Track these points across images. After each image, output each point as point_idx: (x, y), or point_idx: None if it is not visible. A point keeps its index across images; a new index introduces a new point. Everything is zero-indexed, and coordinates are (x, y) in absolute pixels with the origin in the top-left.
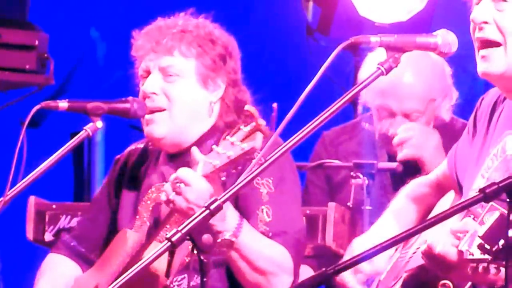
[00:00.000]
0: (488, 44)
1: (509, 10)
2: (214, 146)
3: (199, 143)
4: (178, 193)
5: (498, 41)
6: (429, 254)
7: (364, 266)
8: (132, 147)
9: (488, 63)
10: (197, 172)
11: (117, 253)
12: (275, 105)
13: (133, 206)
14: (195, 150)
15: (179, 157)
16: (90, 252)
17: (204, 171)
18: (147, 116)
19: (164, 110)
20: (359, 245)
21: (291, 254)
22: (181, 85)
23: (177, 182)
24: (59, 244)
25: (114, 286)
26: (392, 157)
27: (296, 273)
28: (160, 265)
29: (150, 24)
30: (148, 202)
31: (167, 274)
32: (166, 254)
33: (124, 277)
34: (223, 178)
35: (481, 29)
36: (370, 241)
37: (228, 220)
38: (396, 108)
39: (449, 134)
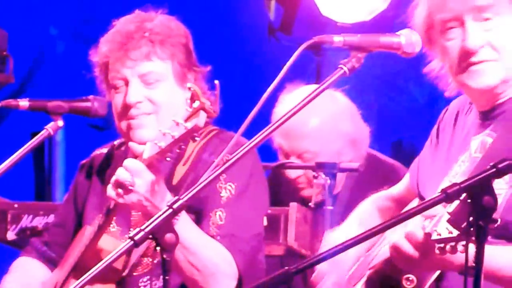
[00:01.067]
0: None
1: (496, 27)
2: (160, 128)
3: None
4: (126, 187)
5: (495, 59)
6: (396, 248)
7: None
8: (96, 152)
9: (485, 76)
10: (144, 155)
11: (73, 248)
12: (217, 82)
13: (98, 209)
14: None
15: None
16: (61, 257)
17: (150, 152)
18: (132, 121)
19: (150, 114)
20: (331, 237)
21: (236, 258)
22: (163, 89)
23: (123, 173)
24: (29, 248)
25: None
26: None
27: (245, 276)
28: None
29: (112, 25)
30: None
31: (124, 267)
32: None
33: (87, 276)
34: (168, 159)
35: (474, 53)
36: (343, 231)
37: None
38: (287, 148)
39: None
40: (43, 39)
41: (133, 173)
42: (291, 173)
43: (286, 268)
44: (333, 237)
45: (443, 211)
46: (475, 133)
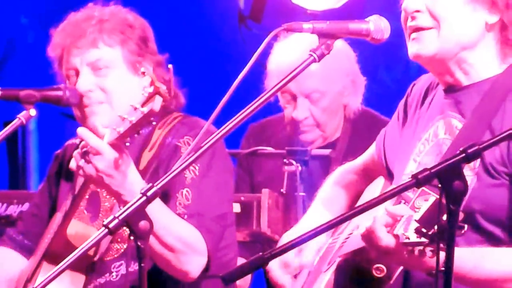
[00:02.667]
0: (420, 29)
1: None
2: (119, 114)
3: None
4: (88, 161)
5: (431, 26)
6: (367, 238)
7: (292, 259)
8: (69, 142)
9: (419, 45)
10: (104, 140)
11: (45, 235)
12: (170, 66)
13: (72, 194)
14: (98, 125)
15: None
16: (37, 245)
17: (110, 138)
18: (86, 109)
19: (102, 103)
20: (288, 238)
21: (204, 236)
22: (113, 76)
23: (86, 150)
24: (5, 238)
25: (56, 271)
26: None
27: (213, 256)
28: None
29: (73, 14)
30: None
31: (95, 253)
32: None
33: (68, 261)
34: (127, 144)
35: (413, 18)
36: (300, 233)
37: (131, 183)
38: (295, 90)
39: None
40: (13, 29)
41: (93, 148)
42: (299, 113)
43: (261, 253)
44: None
45: (408, 211)
46: (440, 112)
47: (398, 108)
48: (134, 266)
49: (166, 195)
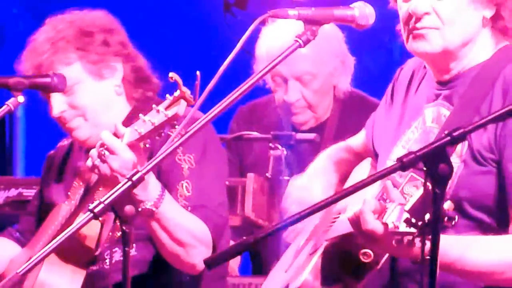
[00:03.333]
0: (426, 28)
1: None
2: (141, 115)
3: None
4: (103, 160)
5: (438, 27)
6: (355, 222)
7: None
8: (61, 143)
9: (426, 43)
10: (123, 141)
11: (48, 226)
12: (198, 73)
13: (64, 193)
14: (117, 124)
15: None
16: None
17: (129, 138)
18: (66, 125)
19: (76, 117)
20: (296, 186)
21: (209, 227)
22: (81, 91)
23: (103, 149)
24: (5, 232)
25: (43, 253)
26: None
27: (216, 246)
28: (91, 238)
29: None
30: (78, 183)
31: (97, 246)
32: (97, 228)
33: (52, 245)
34: (148, 145)
35: (419, 19)
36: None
37: (150, 190)
38: (286, 73)
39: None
40: (5, 18)
41: (109, 148)
42: (291, 95)
43: (244, 238)
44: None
45: (399, 197)
46: (430, 100)
47: (386, 92)
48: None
49: (167, 188)
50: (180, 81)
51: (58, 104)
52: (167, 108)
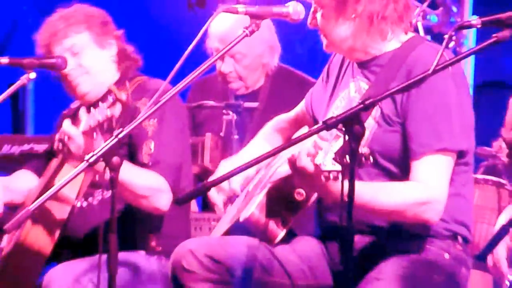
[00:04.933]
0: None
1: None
2: (92, 109)
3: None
4: (64, 144)
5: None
6: (292, 161)
7: (225, 186)
8: (64, 111)
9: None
10: (79, 128)
11: (46, 170)
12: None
13: None
14: (81, 111)
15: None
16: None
17: (84, 128)
18: (72, 83)
19: (83, 75)
20: (224, 166)
21: (166, 178)
22: (87, 54)
23: (64, 135)
24: (27, 164)
25: (48, 194)
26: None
27: (176, 189)
28: (71, 190)
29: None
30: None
31: (77, 197)
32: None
33: (55, 189)
34: (95, 135)
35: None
36: (236, 161)
37: None
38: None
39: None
40: (17, 14)
41: (67, 134)
42: (225, 67)
43: (204, 181)
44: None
45: (327, 146)
46: (352, 77)
47: (323, 72)
48: (108, 193)
49: (135, 147)
50: (115, 90)
51: (69, 63)
52: (108, 107)
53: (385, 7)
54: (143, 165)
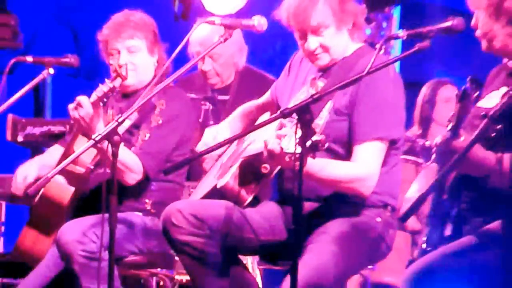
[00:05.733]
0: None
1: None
2: (100, 84)
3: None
4: (76, 109)
5: (324, 51)
6: (265, 145)
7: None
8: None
9: (320, 61)
10: (89, 99)
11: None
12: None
13: None
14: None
15: (131, 96)
16: None
17: (92, 99)
18: (123, 74)
19: (132, 70)
20: (208, 131)
21: (143, 163)
22: (139, 56)
23: (77, 104)
24: (60, 140)
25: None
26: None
27: (148, 174)
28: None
29: (110, 18)
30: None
31: (86, 170)
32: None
33: (69, 160)
34: (101, 104)
35: (314, 52)
36: (217, 130)
37: (97, 131)
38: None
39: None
40: (38, 23)
41: (80, 103)
42: (205, 66)
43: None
44: (217, 132)
45: (291, 132)
46: (312, 74)
47: (285, 67)
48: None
49: (138, 130)
50: (118, 69)
51: (124, 58)
52: (111, 81)
53: (358, 17)
54: (133, 146)
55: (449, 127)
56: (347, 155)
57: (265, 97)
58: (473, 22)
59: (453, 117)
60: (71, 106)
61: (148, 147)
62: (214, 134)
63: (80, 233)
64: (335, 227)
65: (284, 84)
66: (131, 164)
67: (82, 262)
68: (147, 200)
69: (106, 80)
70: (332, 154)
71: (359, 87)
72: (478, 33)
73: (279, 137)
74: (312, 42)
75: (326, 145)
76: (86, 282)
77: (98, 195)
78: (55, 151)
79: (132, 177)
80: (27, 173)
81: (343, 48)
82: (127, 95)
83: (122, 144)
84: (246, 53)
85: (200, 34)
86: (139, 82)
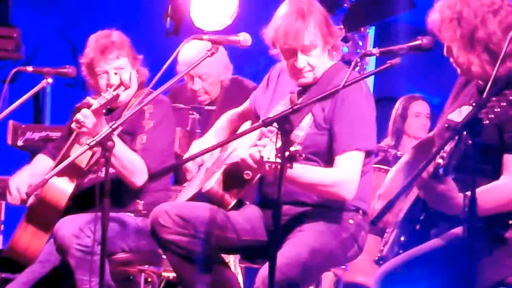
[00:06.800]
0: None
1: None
2: (102, 93)
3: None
4: (81, 123)
5: (310, 69)
6: (243, 160)
7: (189, 166)
8: (77, 105)
9: (306, 79)
10: (92, 108)
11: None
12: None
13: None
14: (88, 98)
15: (114, 110)
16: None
17: (95, 106)
18: (114, 92)
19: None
20: (195, 144)
21: (146, 162)
22: (125, 71)
23: (81, 116)
24: (45, 150)
25: (59, 167)
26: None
27: (151, 171)
28: (81, 162)
29: (89, 40)
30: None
31: (86, 166)
32: (87, 155)
33: (65, 163)
34: (104, 111)
35: (301, 70)
36: (204, 141)
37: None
38: (193, 73)
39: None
40: (39, 36)
41: (84, 116)
42: (195, 86)
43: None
44: (203, 144)
45: (270, 144)
46: (290, 88)
47: (264, 79)
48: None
49: (133, 136)
50: (119, 77)
51: (114, 78)
52: (114, 90)
53: (338, 39)
54: (135, 150)
55: (441, 162)
56: (326, 167)
57: (245, 105)
58: (445, 52)
59: (445, 153)
60: (74, 119)
61: (148, 148)
62: (201, 146)
63: (77, 228)
64: (311, 226)
65: (262, 96)
66: (138, 164)
67: (78, 256)
68: (139, 201)
69: (108, 88)
70: (312, 165)
71: (336, 103)
72: (453, 61)
73: (260, 148)
74: (301, 60)
75: (303, 155)
76: (80, 275)
77: (92, 195)
78: (41, 160)
79: (141, 178)
80: (19, 183)
81: (324, 67)
82: (112, 109)
83: (126, 147)
84: (231, 70)
85: (188, 55)
86: (127, 95)
